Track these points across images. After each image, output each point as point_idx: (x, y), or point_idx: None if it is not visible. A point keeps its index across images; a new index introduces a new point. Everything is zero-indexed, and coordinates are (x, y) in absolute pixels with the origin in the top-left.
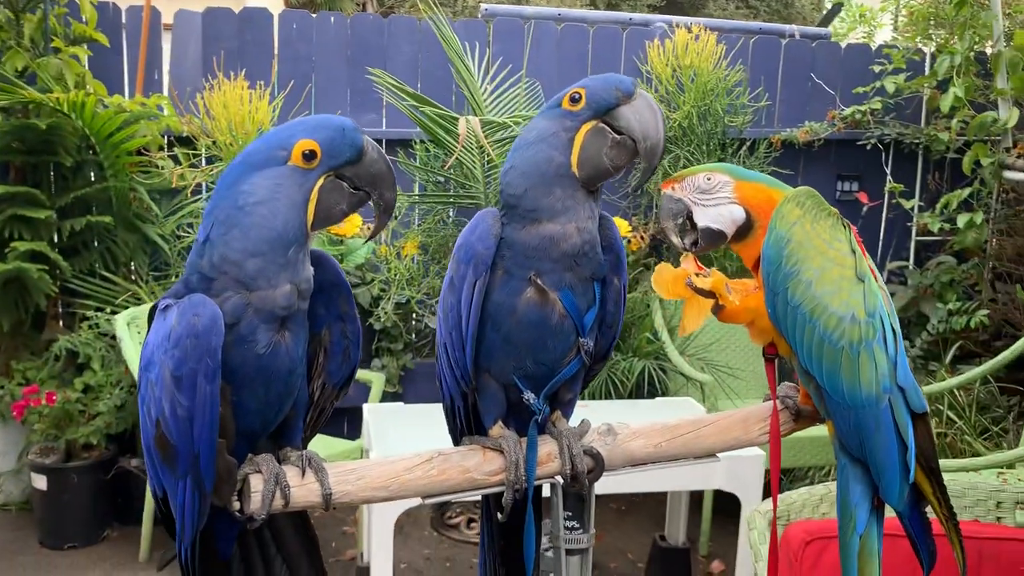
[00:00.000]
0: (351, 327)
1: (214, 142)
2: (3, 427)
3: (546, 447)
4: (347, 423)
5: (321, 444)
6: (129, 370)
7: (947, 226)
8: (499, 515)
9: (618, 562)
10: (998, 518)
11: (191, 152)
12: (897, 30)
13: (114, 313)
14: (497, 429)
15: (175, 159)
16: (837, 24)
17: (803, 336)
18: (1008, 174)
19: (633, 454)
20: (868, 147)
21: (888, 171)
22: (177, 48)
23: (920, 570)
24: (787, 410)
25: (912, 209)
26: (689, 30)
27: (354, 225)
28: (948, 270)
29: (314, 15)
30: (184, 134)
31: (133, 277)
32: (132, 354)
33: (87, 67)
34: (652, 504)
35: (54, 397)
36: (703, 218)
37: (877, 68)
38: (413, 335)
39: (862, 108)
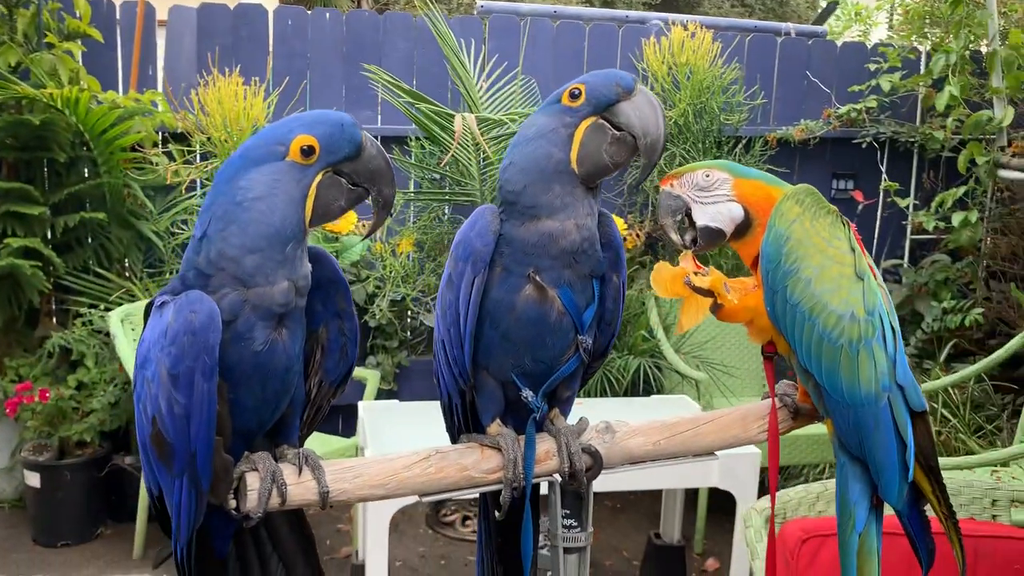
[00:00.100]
0: (349, 324)
1: (209, 138)
2: None
3: (544, 445)
4: (342, 420)
5: (316, 441)
6: (123, 367)
7: (942, 224)
8: (497, 513)
9: (613, 560)
10: (993, 516)
11: (185, 148)
12: (892, 28)
13: (108, 310)
14: (495, 427)
15: (169, 155)
16: (833, 22)
17: (802, 334)
18: (1003, 173)
19: (632, 452)
20: (863, 145)
21: (883, 169)
22: (172, 44)
23: (918, 568)
24: (786, 408)
25: (907, 207)
26: (685, 28)
27: (349, 222)
28: (943, 268)
29: (309, 11)
30: (178, 130)
31: (127, 274)
32: (126, 351)
33: (81, 63)
34: (647, 502)
35: (47, 394)
36: (702, 216)
37: (873, 66)
38: (408, 332)
39: (857, 106)
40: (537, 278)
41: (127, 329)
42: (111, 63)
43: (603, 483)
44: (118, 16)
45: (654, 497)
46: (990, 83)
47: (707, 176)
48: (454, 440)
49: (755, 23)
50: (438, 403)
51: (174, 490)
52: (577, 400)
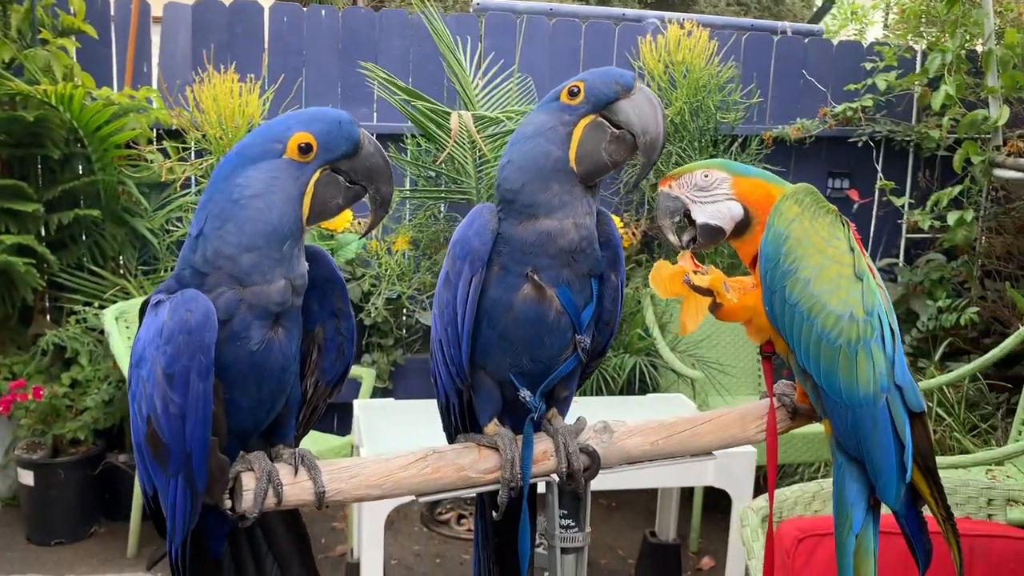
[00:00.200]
0: (345, 324)
1: (204, 135)
2: None
3: (542, 445)
4: (337, 419)
5: (311, 440)
6: (117, 365)
7: (937, 224)
8: (494, 513)
9: (608, 558)
10: (989, 515)
11: (180, 145)
12: (888, 27)
13: (102, 308)
14: (492, 427)
15: (164, 152)
16: (828, 21)
17: (801, 334)
18: (998, 172)
19: (629, 452)
20: (859, 144)
21: (879, 168)
22: (166, 40)
23: (914, 567)
24: (784, 408)
25: (902, 206)
26: (681, 26)
27: (345, 219)
28: (938, 267)
29: (305, 8)
30: (173, 127)
31: (121, 271)
32: (120, 349)
33: (75, 59)
34: (642, 500)
35: (41, 392)
36: (701, 215)
37: (868, 65)
38: (404, 331)
39: (853, 105)
40: (535, 277)
41: (121, 327)
42: (106, 59)
43: (599, 482)
44: (112, 12)
45: (649, 495)
46: (986, 82)
47: (706, 176)
48: (451, 440)
49: (751, 21)
50: (434, 401)
51: (169, 490)
52: (573, 399)
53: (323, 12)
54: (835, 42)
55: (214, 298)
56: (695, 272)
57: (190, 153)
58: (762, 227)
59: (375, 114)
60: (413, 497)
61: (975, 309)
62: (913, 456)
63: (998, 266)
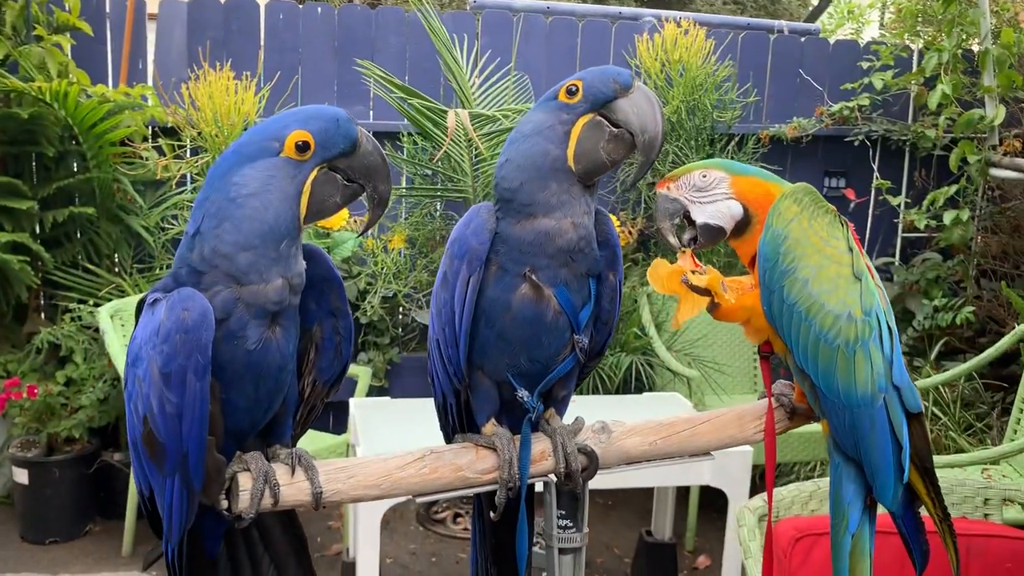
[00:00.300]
0: (343, 323)
1: (199, 133)
2: None
3: (540, 445)
4: (333, 417)
5: (307, 439)
6: (112, 363)
7: (933, 223)
8: (492, 514)
9: (604, 557)
10: (985, 515)
11: (176, 143)
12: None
13: (97, 305)
14: (490, 427)
15: (159, 150)
16: (825, 20)
17: (799, 334)
18: (994, 171)
19: (628, 452)
20: (855, 143)
21: (875, 168)
22: (162, 37)
23: (910, 566)
24: (782, 408)
25: (898, 206)
26: (678, 24)
27: (341, 218)
28: (934, 267)
29: (301, 5)
30: (169, 125)
31: (116, 269)
32: (115, 347)
33: (70, 56)
34: (639, 499)
35: (36, 390)
36: (701, 215)
37: (865, 64)
38: (400, 329)
39: (850, 104)
40: (533, 277)
41: (117, 325)
42: (101, 56)
43: (596, 481)
44: (108, 9)
45: (645, 494)
46: (982, 82)
47: (704, 176)
48: (448, 440)
49: (748, 20)
50: (430, 400)
51: (165, 490)
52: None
53: (319, 9)
54: (832, 41)
55: (211, 297)
56: (693, 272)
57: (185, 151)
58: (761, 226)
59: (371, 112)
60: (410, 497)
61: (971, 308)
62: (910, 457)
63: (994, 265)
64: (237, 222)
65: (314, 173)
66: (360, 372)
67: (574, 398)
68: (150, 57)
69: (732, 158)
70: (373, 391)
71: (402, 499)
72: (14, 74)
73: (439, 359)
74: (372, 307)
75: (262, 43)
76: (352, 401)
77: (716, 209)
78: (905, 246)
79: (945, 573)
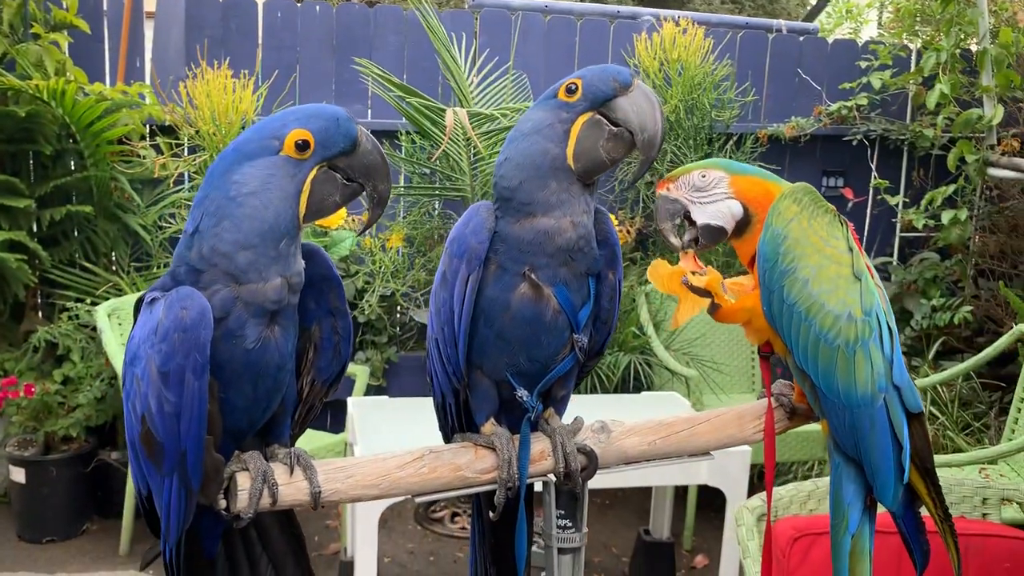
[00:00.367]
0: (342, 323)
1: (197, 131)
2: None
3: (539, 445)
4: (330, 416)
5: (304, 438)
6: (109, 362)
7: (931, 222)
8: (491, 514)
9: (602, 556)
10: (984, 514)
11: (173, 141)
12: (883, 26)
13: (94, 304)
14: (489, 426)
15: (157, 148)
16: (823, 19)
17: (799, 335)
18: (992, 171)
19: (627, 452)
20: (854, 143)
21: (873, 167)
22: (160, 35)
23: (908, 565)
24: (782, 408)
25: (897, 205)
26: (677, 23)
27: (339, 217)
28: (932, 266)
29: (299, 3)
30: (166, 123)
31: (114, 268)
32: (113, 346)
33: (67, 54)
34: (636, 498)
35: (33, 389)
36: (701, 216)
37: (863, 64)
38: (398, 328)
39: (848, 104)
40: (532, 276)
41: (114, 323)
42: (98, 54)
43: (594, 481)
44: (105, 7)
45: (643, 493)
46: (980, 81)
47: (703, 176)
48: (447, 439)
49: (746, 19)
50: (428, 399)
51: (163, 490)
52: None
53: (317, 8)
54: (830, 40)
55: (210, 296)
56: (694, 273)
57: (183, 149)
58: (761, 226)
59: (369, 111)
60: (409, 496)
61: (969, 308)
62: (911, 457)
63: (992, 265)
64: (237, 221)
65: (314, 172)
66: (358, 371)
67: (572, 397)
68: (148, 55)
69: (730, 157)
70: (371, 390)
71: (400, 498)
72: (11, 72)
73: (438, 358)
74: (370, 306)
75: (260, 41)
76: (350, 400)
77: (716, 209)
78: (903, 245)
79: (944, 573)
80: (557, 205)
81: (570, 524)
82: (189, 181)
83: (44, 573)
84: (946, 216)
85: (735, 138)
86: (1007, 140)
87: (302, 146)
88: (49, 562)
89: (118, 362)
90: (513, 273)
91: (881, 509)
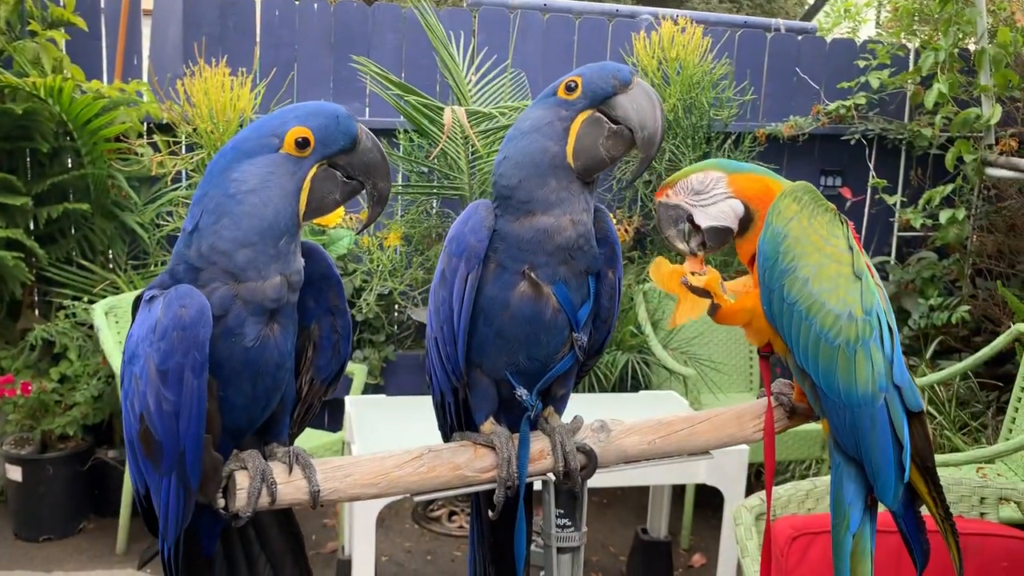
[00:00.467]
0: (341, 321)
1: (194, 129)
2: None
3: (539, 443)
4: (328, 415)
5: (302, 436)
6: (107, 360)
7: (929, 222)
8: (490, 513)
9: (600, 555)
10: (982, 514)
11: (171, 139)
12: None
13: (91, 302)
14: (488, 425)
15: (154, 146)
16: (822, 19)
17: (799, 334)
18: (990, 171)
19: (626, 451)
20: (852, 142)
21: (871, 166)
22: (157, 33)
23: (908, 563)
24: (782, 407)
25: (894, 205)
26: (675, 22)
27: (336, 215)
28: (929, 266)
29: (297, 1)
30: (164, 121)
31: (111, 266)
32: (110, 344)
33: (65, 51)
34: (634, 497)
35: (29, 387)
36: (704, 218)
37: (861, 63)
38: (395, 327)
39: (846, 103)
40: (532, 275)
41: (111, 322)
42: (95, 52)
43: (592, 479)
44: (102, 4)
45: (641, 492)
46: (978, 81)
47: (701, 179)
48: (446, 438)
49: (745, 19)
50: (426, 398)
51: (162, 489)
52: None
53: (315, 6)
54: (828, 40)
55: (208, 294)
56: (693, 273)
57: (181, 147)
58: (762, 224)
59: (367, 109)
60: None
61: (966, 307)
62: (911, 456)
63: (989, 264)
64: (236, 218)
65: (313, 170)
66: (356, 370)
67: (570, 396)
68: (145, 53)
69: (729, 156)
70: (369, 389)
71: (398, 496)
72: (8, 69)
73: (437, 357)
74: (368, 304)
75: (258, 39)
76: (348, 399)
77: (719, 210)
78: (901, 245)
79: (944, 572)
80: (557, 203)
81: (569, 523)
82: (187, 179)
83: (41, 572)
84: (944, 215)
85: (733, 137)
86: (1005, 140)
87: (302, 144)
88: (46, 561)
89: (115, 360)
90: (512, 272)
91: (881, 508)
